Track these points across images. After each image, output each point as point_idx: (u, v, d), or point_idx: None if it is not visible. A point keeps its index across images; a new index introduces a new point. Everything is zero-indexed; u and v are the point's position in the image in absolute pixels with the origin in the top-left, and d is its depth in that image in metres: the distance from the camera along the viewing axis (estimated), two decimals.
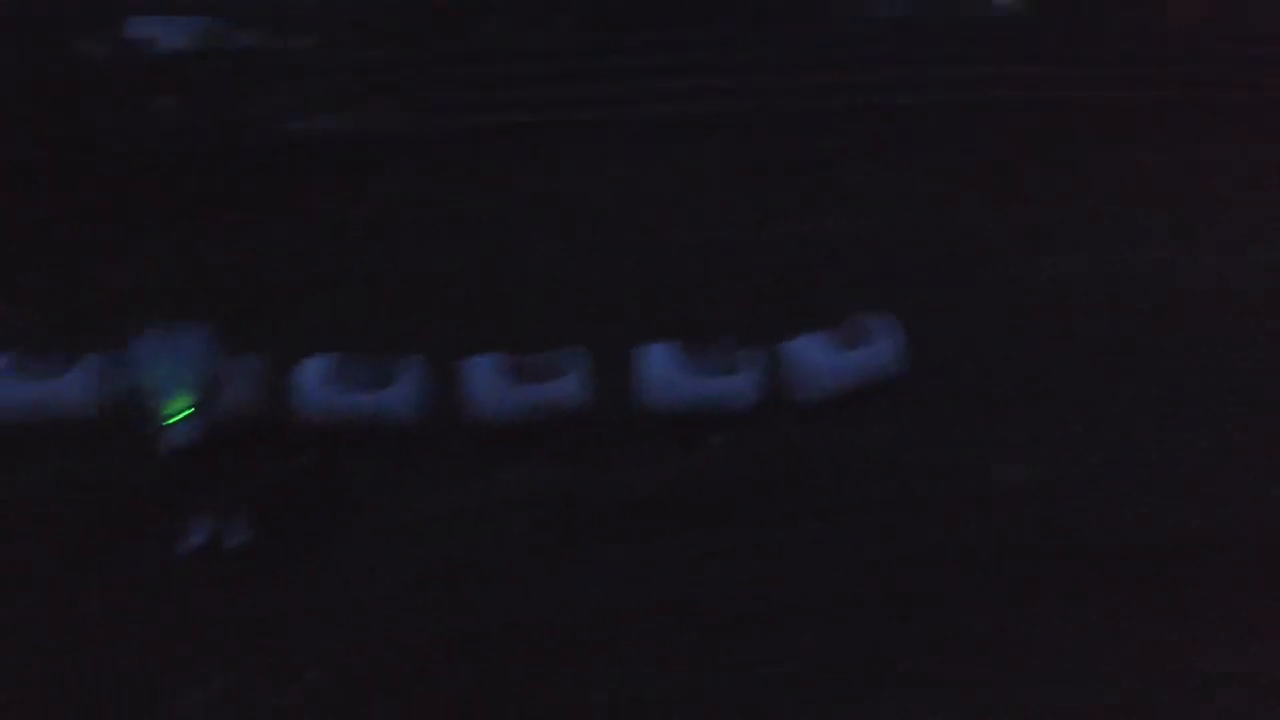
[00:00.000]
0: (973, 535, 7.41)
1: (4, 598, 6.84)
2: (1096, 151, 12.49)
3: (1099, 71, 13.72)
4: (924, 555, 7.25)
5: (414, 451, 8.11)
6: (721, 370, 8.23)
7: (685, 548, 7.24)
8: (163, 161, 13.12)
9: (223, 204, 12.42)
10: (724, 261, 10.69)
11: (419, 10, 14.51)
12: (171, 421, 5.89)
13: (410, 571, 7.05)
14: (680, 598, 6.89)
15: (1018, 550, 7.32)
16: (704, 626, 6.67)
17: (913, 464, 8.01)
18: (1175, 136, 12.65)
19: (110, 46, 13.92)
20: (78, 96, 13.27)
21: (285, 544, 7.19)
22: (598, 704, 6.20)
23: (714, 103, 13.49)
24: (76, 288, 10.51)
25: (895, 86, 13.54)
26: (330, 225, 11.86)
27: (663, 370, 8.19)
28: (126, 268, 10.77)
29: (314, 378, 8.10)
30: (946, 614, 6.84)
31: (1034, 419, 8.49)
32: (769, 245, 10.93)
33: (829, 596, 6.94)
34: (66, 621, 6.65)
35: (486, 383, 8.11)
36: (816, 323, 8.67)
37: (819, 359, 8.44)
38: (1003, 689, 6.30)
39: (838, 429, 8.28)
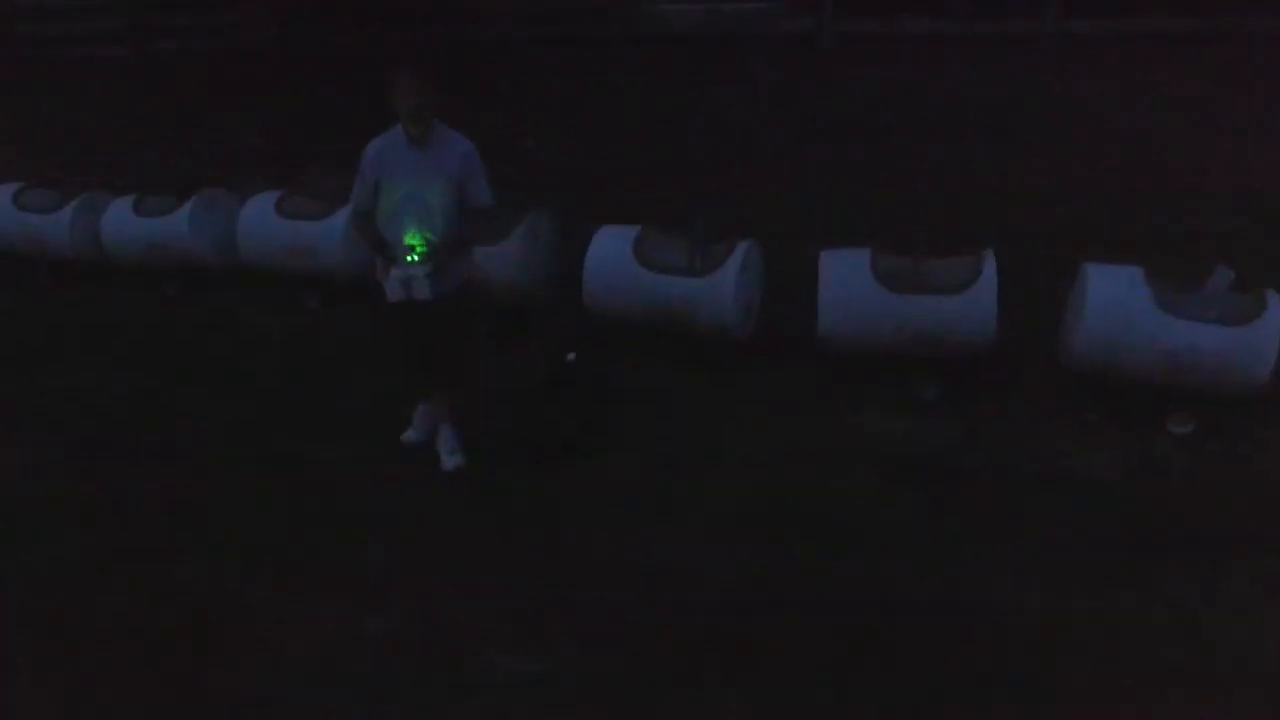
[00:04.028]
0: None
1: None
2: None
3: None
4: None
5: (737, 368, 5.62)
6: (1205, 314, 4.87)
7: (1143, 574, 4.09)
8: (516, 43, 11.93)
9: (562, 88, 10.87)
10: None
11: None
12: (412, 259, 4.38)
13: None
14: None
15: None
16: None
17: None
18: None
19: None
20: None
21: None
22: None
23: None
24: None
25: None
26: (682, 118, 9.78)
27: (1117, 306, 4.97)
28: None
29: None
30: None
31: None
32: None
33: None
34: None
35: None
36: None
37: None
38: None
39: None
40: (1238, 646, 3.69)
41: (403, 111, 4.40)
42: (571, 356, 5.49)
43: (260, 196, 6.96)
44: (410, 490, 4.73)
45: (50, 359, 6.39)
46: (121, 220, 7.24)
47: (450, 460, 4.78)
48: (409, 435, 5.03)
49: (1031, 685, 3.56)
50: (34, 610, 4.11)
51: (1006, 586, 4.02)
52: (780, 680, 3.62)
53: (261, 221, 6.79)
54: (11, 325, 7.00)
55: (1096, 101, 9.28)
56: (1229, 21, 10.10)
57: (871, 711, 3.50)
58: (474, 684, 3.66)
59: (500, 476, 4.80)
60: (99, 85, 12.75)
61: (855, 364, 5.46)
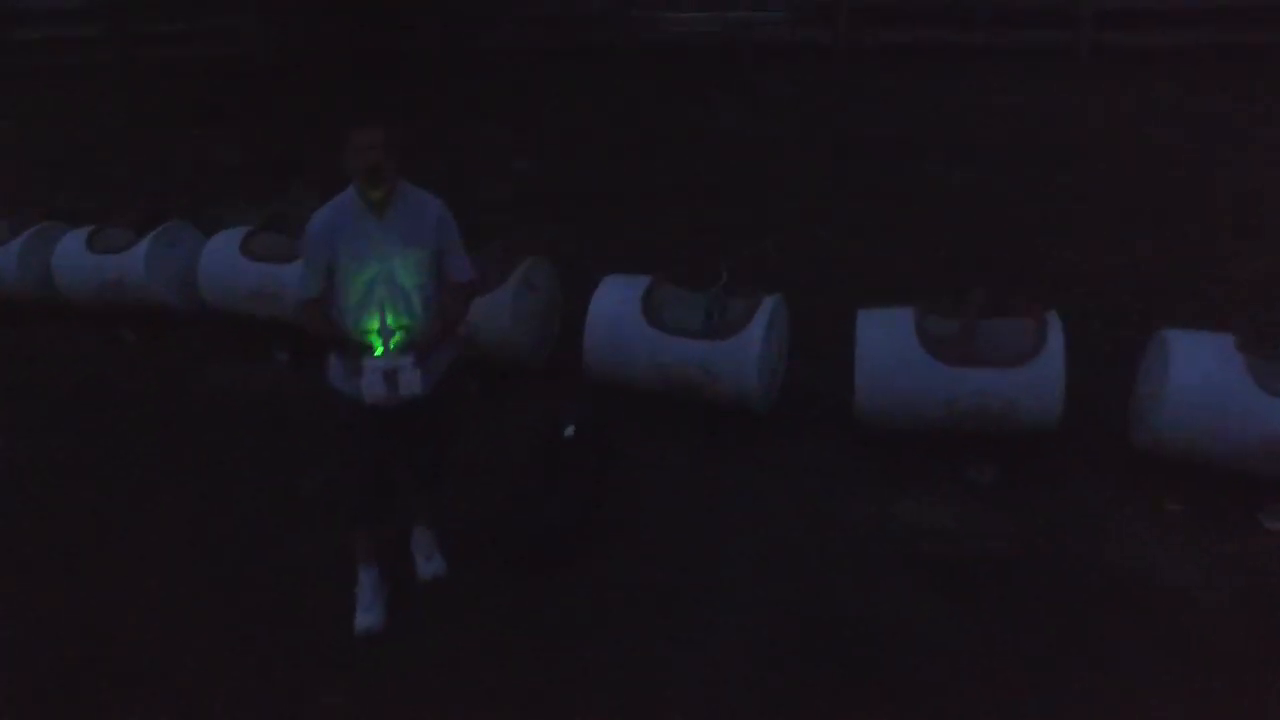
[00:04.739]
0: None
1: None
2: None
3: None
4: None
5: (759, 445, 4.93)
6: None
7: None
8: (517, 52, 11.24)
9: (563, 100, 10.19)
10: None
11: None
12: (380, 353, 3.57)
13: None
14: None
15: None
16: None
17: None
18: None
19: None
20: None
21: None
22: None
23: None
24: None
25: None
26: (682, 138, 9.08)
27: (1206, 383, 4.27)
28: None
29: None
30: None
31: None
32: None
33: None
34: None
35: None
36: None
37: None
38: None
39: None
40: None
41: (357, 172, 3.50)
42: (570, 431, 4.78)
43: (225, 233, 6.26)
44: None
45: None
46: (74, 256, 6.53)
47: (427, 567, 4.07)
48: (363, 621, 3.83)
49: None
50: None
51: None
52: None
53: (225, 262, 6.09)
54: None
55: (1141, 121, 8.58)
56: None
57: None
58: None
59: (486, 582, 4.11)
60: (77, 95, 12.04)
61: (895, 440, 4.77)
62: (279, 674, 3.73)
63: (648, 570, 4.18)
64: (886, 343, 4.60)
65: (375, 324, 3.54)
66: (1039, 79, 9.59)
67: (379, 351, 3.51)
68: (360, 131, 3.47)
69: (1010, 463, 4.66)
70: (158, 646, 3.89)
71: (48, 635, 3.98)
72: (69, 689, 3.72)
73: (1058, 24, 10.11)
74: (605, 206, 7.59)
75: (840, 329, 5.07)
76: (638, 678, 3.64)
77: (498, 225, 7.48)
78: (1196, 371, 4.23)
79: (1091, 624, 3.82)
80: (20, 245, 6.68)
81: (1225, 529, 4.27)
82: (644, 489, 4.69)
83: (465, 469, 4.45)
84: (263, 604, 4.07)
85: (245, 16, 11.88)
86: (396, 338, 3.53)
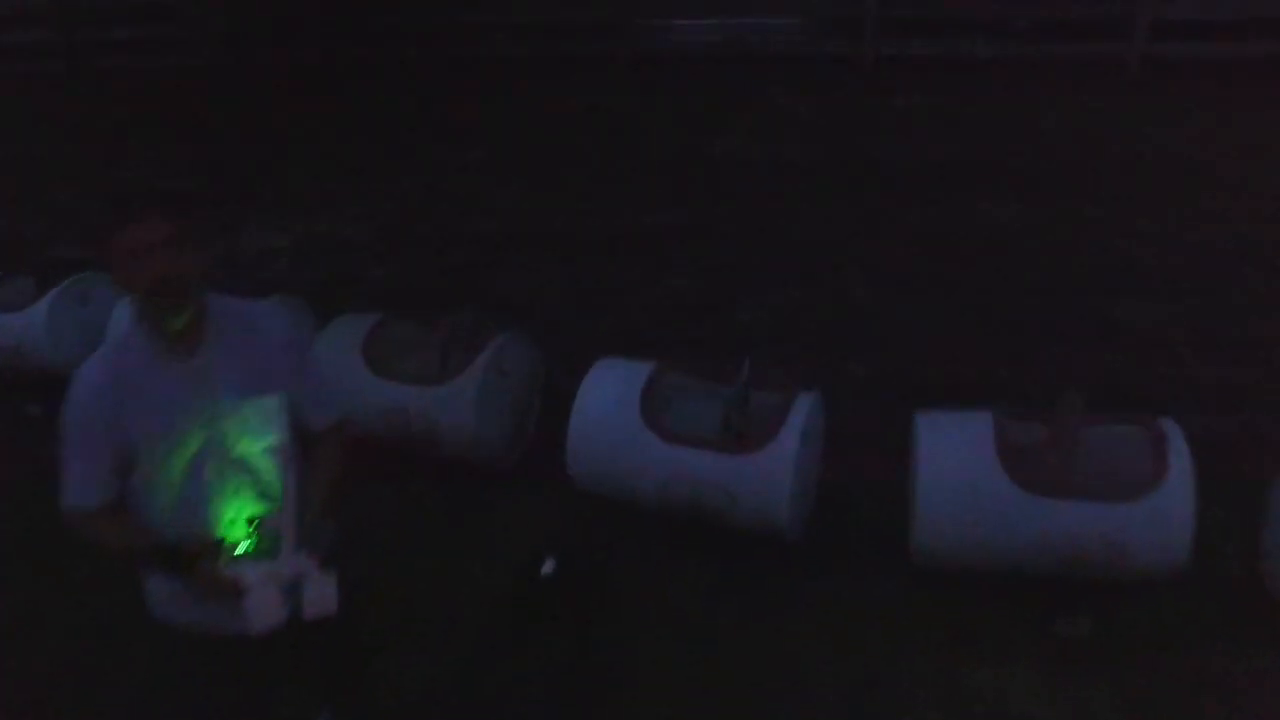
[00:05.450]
0: None
1: None
2: None
3: None
4: None
5: (789, 582, 3.90)
6: None
7: None
8: (506, 62, 10.28)
9: (557, 119, 9.21)
10: None
11: None
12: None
13: None
14: None
15: None
16: None
17: None
18: None
19: None
20: None
21: None
22: None
23: None
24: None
25: None
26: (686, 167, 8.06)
27: None
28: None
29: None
30: None
31: None
32: None
33: None
34: None
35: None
36: None
37: None
38: None
39: None
40: None
41: (141, 293, 2.25)
42: (549, 566, 3.75)
43: None
44: None
45: None
46: None
47: None
48: None
49: None
50: None
51: None
52: None
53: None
54: None
55: (1217, 147, 7.55)
56: None
57: None
58: None
59: None
60: (21, 108, 11.05)
61: (964, 582, 3.74)
62: None
63: None
64: (956, 461, 3.57)
65: (222, 520, 2.36)
66: (1087, 96, 8.59)
67: (246, 548, 2.35)
68: (136, 229, 2.19)
69: (1108, 612, 3.64)
70: None
71: None
72: None
73: (1105, 34, 9.10)
74: (599, 249, 6.57)
75: (885, 418, 4.06)
76: None
77: (480, 267, 6.50)
78: None
79: None
80: None
81: None
82: (641, 639, 3.67)
83: (407, 627, 3.43)
84: None
85: (207, 23, 10.90)
86: (249, 543, 2.35)
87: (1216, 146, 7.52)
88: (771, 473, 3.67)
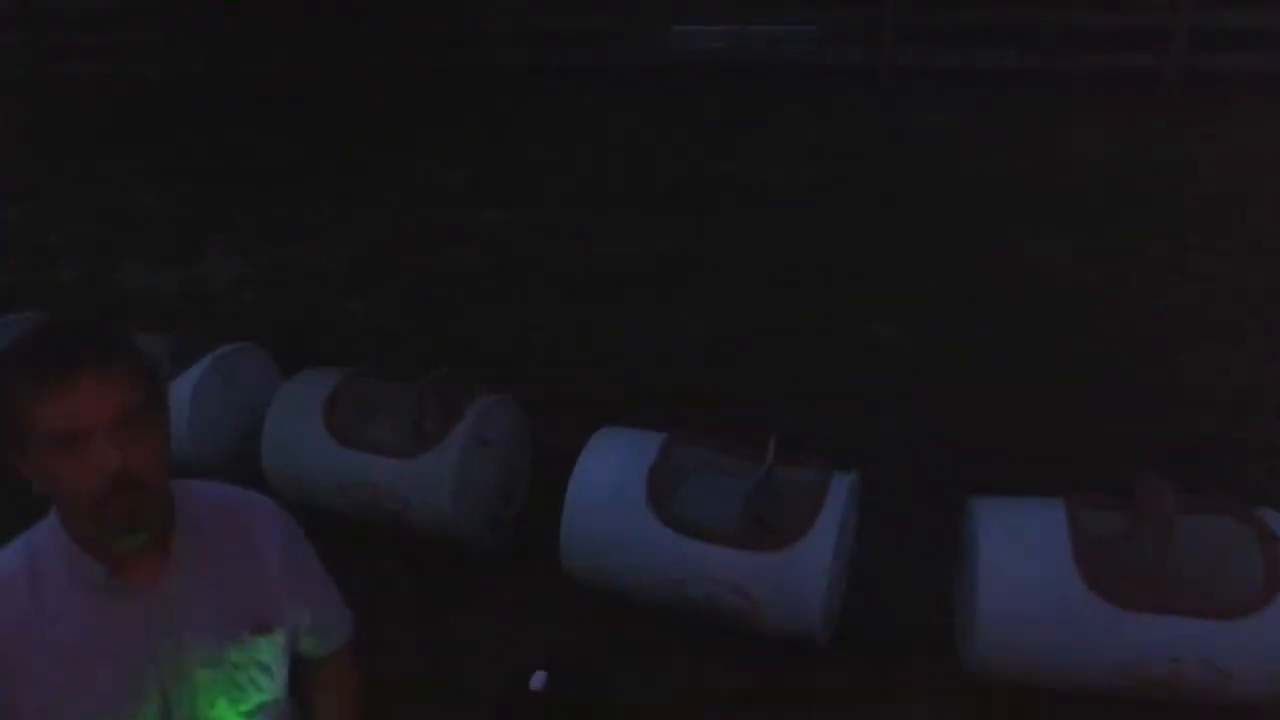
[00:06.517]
0: None
1: None
2: None
3: None
4: None
5: (816, 690, 3.31)
6: None
7: None
8: (498, 72, 9.72)
9: (551, 134, 8.66)
10: None
11: None
12: None
13: None
14: None
15: None
16: None
17: None
18: None
19: None
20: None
21: None
22: None
23: None
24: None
25: None
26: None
27: None
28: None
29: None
30: None
31: None
32: None
33: None
34: None
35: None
36: None
37: None
38: None
39: None
40: None
41: (79, 504, 1.38)
42: (539, 679, 3.17)
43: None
44: None
45: None
46: None
47: None
48: None
49: None
50: None
51: None
52: None
53: None
54: None
55: (1254, 167, 6.99)
56: None
57: None
58: None
59: None
60: None
61: (1028, 697, 3.16)
62: None
63: None
64: (1024, 563, 2.99)
65: None
66: (1123, 111, 8.01)
67: None
68: (63, 398, 1.32)
69: None
70: None
71: None
72: None
73: (1140, 44, 8.53)
74: (595, 284, 5.98)
75: (920, 487, 3.49)
76: None
77: (462, 304, 5.92)
78: None
79: None
80: None
81: None
82: None
83: None
84: None
85: (178, 30, 10.32)
86: None
87: (1269, 168, 6.95)
88: (804, 573, 3.09)
